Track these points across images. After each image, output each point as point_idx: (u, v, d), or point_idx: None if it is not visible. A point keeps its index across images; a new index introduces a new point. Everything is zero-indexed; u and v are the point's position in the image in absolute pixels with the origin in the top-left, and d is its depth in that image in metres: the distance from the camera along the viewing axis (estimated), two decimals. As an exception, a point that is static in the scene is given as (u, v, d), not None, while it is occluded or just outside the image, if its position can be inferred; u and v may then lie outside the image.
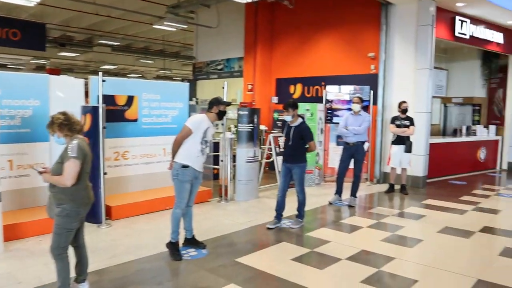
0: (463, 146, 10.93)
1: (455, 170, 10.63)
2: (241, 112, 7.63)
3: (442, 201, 7.68)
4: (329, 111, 9.43)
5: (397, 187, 8.42)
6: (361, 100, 7.27)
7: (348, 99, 9.39)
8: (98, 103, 5.71)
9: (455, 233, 5.70)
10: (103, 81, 5.70)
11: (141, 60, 24.86)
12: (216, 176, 8.42)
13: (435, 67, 12.79)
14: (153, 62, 25.54)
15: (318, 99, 9.93)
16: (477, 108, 12.92)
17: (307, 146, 5.77)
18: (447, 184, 9.51)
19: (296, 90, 11.12)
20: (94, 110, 5.78)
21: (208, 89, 14.00)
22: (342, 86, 9.52)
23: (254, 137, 7.64)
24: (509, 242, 5.35)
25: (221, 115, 4.80)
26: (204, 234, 5.33)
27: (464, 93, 12.79)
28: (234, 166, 7.63)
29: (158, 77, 29.50)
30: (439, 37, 9.28)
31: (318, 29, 10.67)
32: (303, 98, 10.67)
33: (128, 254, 4.68)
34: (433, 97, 12.85)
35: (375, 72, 9.44)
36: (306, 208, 6.04)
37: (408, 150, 7.97)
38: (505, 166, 11.99)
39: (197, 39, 14.31)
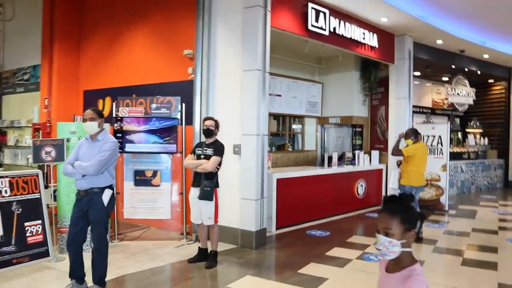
0: (333, 180, 8.20)
1: (320, 213, 7.84)
2: None
3: (264, 280, 4.69)
4: (119, 134, 6.20)
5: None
6: (99, 114, 4.08)
7: (149, 115, 6.30)
8: None
9: None
10: None
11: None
12: None
13: (307, 79, 10.27)
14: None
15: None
16: (359, 129, 10.45)
17: None
18: (301, 238, 6.60)
19: (106, 106, 7.86)
20: None
21: (14, 106, 10.34)
22: (144, 98, 6.43)
23: None
24: None
25: None
26: None
27: (342, 112, 10.28)
28: None
29: None
30: (283, 28, 6.54)
31: (131, 21, 7.58)
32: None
33: None
34: (306, 116, 10.28)
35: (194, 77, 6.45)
36: None
37: (204, 196, 4.89)
38: (391, 202, 9.46)
39: (4, 41, 10.69)
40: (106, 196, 3.93)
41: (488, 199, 10.78)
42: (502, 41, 10.43)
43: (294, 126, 10.50)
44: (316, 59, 10.44)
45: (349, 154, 8.87)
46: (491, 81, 13.58)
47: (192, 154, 5.08)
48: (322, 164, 8.39)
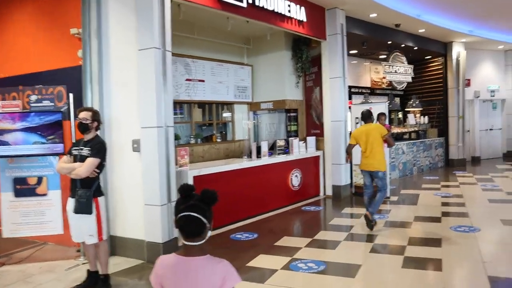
0: (263, 172, 7.34)
1: (249, 212, 6.99)
2: None
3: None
4: (-13, 135, 5.01)
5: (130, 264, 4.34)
6: None
7: (28, 110, 5.14)
8: None
9: None
10: None
11: None
12: None
13: (234, 62, 9.31)
14: None
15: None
16: (293, 114, 9.65)
17: None
18: (223, 244, 5.66)
19: (-12, 101, 6.53)
20: None
21: None
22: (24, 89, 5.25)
23: None
24: None
25: None
26: None
27: (274, 96, 9.41)
28: None
29: None
30: (191, 0, 5.52)
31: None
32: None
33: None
34: (235, 103, 9.32)
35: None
36: None
37: (79, 209, 3.85)
38: (329, 191, 8.79)
39: None
40: None
41: (430, 181, 10.39)
42: (437, 14, 9.94)
43: (224, 115, 9.53)
44: (243, 39, 9.48)
45: (281, 142, 8.05)
46: (428, 57, 13.23)
47: (68, 156, 4.02)
48: (250, 156, 7.50)
